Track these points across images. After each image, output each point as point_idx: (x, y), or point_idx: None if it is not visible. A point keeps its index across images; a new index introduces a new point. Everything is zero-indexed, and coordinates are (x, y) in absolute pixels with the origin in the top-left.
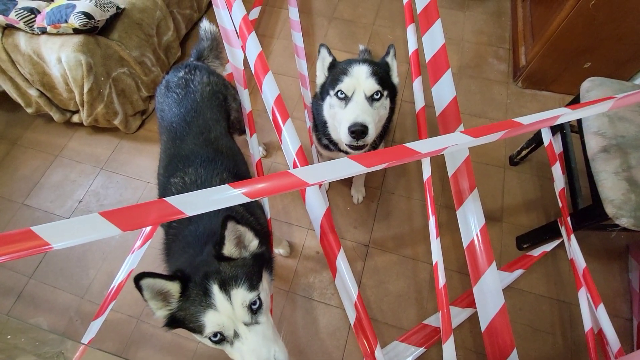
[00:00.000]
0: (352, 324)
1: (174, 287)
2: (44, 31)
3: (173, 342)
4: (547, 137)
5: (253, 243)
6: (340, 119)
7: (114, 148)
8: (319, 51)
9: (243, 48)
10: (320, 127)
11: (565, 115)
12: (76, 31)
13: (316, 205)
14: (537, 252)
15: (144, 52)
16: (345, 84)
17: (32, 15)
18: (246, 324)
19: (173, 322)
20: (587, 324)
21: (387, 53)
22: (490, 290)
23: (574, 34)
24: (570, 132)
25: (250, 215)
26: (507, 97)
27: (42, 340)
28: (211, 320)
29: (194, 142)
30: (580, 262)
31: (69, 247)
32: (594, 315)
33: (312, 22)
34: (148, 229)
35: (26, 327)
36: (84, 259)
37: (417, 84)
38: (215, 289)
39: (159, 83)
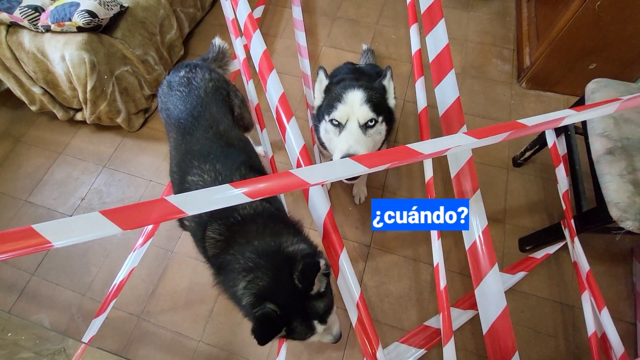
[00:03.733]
0: (353, 324)
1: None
2: (48, 29)
3: (174, 341)
4: (551, 138)
5: (324, 267)
6: (334, 146)
7: (116, 146)
8: (317, 73)
9: (248, 46)
10: (319, 141)
11: (571, 116)
12: (80, 29)
13: (319, 204)
14: (540, 254)
15: (147, 51)
16: (339, 112)
17: (37, 13)
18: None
19: None
20: (591, 328)
21: (384, 75)
22: (492, 292)
23: (579, 35)
24: (575, 133)
25: (280, 212)
26: (511, 97)
27: (43, 338)
28: (311, 338)
29: (205, 136)
30: (584, 265)
31: (70, 245)
32: (598, 319)
33: (316, 21)
34: (150, 227)
35: (27, 324)
36: (85, 257)
37: (420, 84)
38: (317, 324)
39: (161, 84)
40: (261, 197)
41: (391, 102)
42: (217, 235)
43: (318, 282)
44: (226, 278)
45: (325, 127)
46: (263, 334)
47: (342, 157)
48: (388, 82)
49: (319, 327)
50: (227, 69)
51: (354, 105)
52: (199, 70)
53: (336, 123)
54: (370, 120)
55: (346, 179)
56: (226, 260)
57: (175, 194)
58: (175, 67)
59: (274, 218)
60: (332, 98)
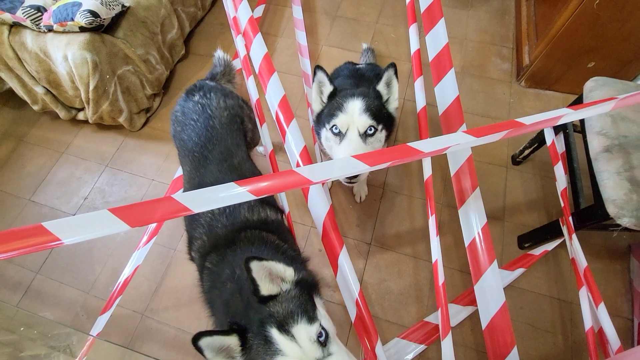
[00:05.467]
0: (352, 321)
1: (233, 341)
2: (50, 29)
3: (177, 337)
4: (549, 136)
5: (288, 273)
6: (334, 154)
7: (118, 145)
8: (314, 73)
9: (248, 49)
10: (320, 142)
11: (568, 115)
12: (82, 29)
13: (319, 203)
14: (538, 251)
15: (149, 50)
16: (340, 120)
17: (39, 13)
18: (320, 359)
19: None
20: (588, 323)
21: (380, 79)
22: (491, 288)
23: (577, 34)
24: (573, 131)
25: (283, 242)
26: (510, 96)
27: (47, 335)
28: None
29: (218, 169)
30: (582, 261)
31: (76, 243)
32: (595, 314)
33: (316, 20)
34: (153, 225)
35: (33, 318)
36: (89, 255)
37: (419, 84)
38: (274, 333)
39: (174, 109)
40: (265, 195)
41: (393, 105)
42: (212, 266)
43: (269, 283)
44: (216, 318)
45: (326, 134)
46: (201, 333)
47: None
48: (383, 87)
49: (282, 341)
50: (234, 82)
51: (354, 114)
52: (214, 96)
53: (336, 131)
54: (370, 128)
55: (346, 181)
56: (214, 295)
57: (186, 225)
58: (188, 89)
59: (268, 247)
60: (333, 107)
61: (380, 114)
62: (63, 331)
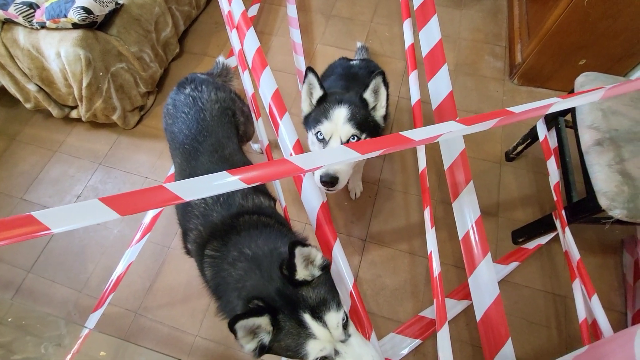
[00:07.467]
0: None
1: (264, 322)
2: (43, 26)
3: (171, 336)
4: (542, 132)
5: (317, 257)
6: None
7: (112, 143)
8: (305, 74)
9: (241, 43)
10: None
11: (557, 104)
12: (75, 26)
13: (312, 197)
14: (532, 244)
15: (143, 48)
16: (324, 127)
17: (32, 10)
18: (342, 341)
19: (262, 351)
20: (582, 315)
21: (366, 87)
22: (486, 280)
23: (569, 31)
24: (565, 127)
25: (281, 225)
26: (503, 94)
27: (43, 326)
28: (313, 348)
29: (209, 160)
30: (575, 254)
31: (67, 240)
32: (588, 306)
33: (311, 19)
34: (147, 221)
35: (27, 314)
36: (82, 254)
37: (413, 78)
38: (308, 318)
39: (166, 102)
40: (256, 183)
41: (379, 113)
42: (214, 252)
43: (304, 269)
44: (224, 299)
45: (311, 138)
46: (238, 316)
47: (322, 175)
48: (370, 94)
49: (315, 326)
50: (231, 84)
51: (338, 122)
52: (205, 89)
53: (321, 138)
54: (353, 137)
55: (325, 190)
56: (222, 277)
57: (179, 218)
58: (180, 82)
59: (273, 230)
60: (319, 112)
61: (365, 123)
62: (55, 333)
